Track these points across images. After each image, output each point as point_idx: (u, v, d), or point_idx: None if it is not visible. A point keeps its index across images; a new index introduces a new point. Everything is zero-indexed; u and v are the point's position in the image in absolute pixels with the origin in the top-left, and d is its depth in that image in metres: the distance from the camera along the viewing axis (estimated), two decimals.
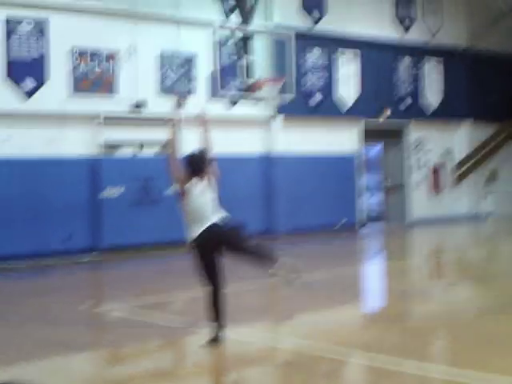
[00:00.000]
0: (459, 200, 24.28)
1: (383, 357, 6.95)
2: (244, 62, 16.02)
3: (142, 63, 17.30)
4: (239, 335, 8.10)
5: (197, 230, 7.54)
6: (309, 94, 20.41)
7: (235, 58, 17.02)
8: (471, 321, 9.03)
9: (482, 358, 6.90)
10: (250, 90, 16.38)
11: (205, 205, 7.68)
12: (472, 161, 24.46)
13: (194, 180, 7.67)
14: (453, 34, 24.09)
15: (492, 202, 24.59)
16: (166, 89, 17.74)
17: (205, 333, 7.81)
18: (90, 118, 16.45)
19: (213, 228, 7.56)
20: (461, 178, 24.27)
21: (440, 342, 8.20)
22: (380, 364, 6.77)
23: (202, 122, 8.20)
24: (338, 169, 20.60)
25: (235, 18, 18.49)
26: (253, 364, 7.23)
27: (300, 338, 8.04)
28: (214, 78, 15.40)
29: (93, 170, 16.29)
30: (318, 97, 20.64)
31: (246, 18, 17.52)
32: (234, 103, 18.58)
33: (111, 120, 16.69)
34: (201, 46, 17.85)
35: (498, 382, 6.10)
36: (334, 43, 20.92)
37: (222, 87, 16.23)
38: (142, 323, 9.03)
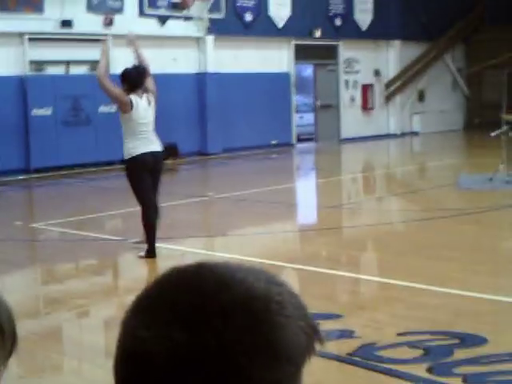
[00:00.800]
0: (388, 118, 24.70)
1: (317, 268, 7.15)
2: None
3: None
4: (174, 250, 8.23)
5: (138, 149, 7.49)
6: (240, 13, 20.19)
7: None
8: (399, 231, 9.36)
9: (409, 266, 7.19)
10: (178, 7, 16.20)
11: (148, 123, 7.68)
12: (400, 81, 24.79)
13: (133, 96, 7.56)
14: None
15: (419, 120, 25.09)
16: (94, 7, 17.29)
17: (139, 247, 7.89)
18: (16, 37, 15.98)
19: (156, 155, 7.64)
20: (389, 97, 24.62)
21: (370, 253, 8.49)
22: (314, 273, 7.00)
23: (131, 41, 8.22)
24: (272, 87, 20.59)
25: None
26: None
27: (234, 252, 8.20)
28: None
29: (20, 89, 15.92)
30: (250, 16, 20.44)
31: None
32: (163, 22, 18.27)
33: (38, 39, 16.26)
34: None
35: (425, 290, 6.35)
36: None
37: (150, 5, 16.01)
38: (78, 238, 9.06)
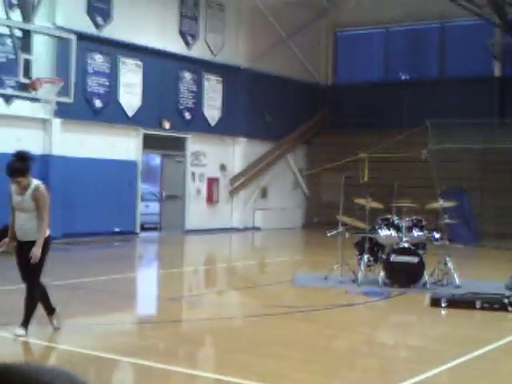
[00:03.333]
0: (232, 213, 25.14)
1: (151, 363, 7.03)
2: (21, 59, 15.56)
3: None
4: (8, 339, 7.86)
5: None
6: (90, 99, 20.16)
7: (14, 54, 16.46)
8: (236, 327, 9.42)
9: (244, 363, 7.23)
10: (27, 88, 15.95)
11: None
12: (245, 177, 25.44)
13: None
14: (233, 54, 24.95)
15: (261, 216, 25.71)
16: None
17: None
18: None
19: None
20: (234, 192, 25.15)
21: (206, 348, 8.47)
22: (147, 369, 6.87)
23: None
24: (118, 175, 20.50)
25: (16, 14, 17.82)
26: None
27: (67, 343, 7.94)
28: None
29: None
30: (100, 102, 20.45)
31: (28, 16, 16.97)
32: (9, 100, 17.90)
33: None
34: None
35: None
36: (118, 50, 20.87)
37: None
38: None
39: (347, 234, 13.14)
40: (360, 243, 12.71)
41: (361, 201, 13.17)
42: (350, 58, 29.32)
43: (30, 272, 8.03)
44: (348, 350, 8.15)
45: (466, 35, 26.50)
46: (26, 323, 7.89)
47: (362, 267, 12.38)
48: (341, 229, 13.17)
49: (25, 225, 7.97)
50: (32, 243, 7.88)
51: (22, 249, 7.97)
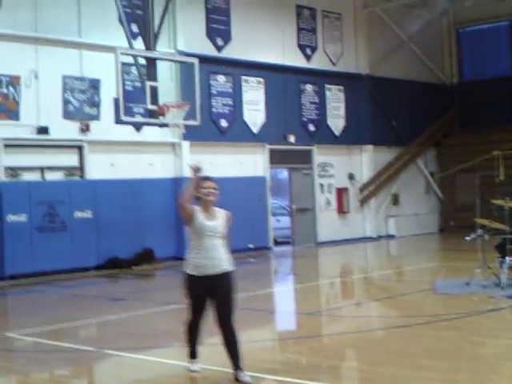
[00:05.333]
0: (364, 222, 24.82)
1: (294, 379, 6.97)
2: (148, 87, 16.00)
3: (45, 88, 17.02)
4: (152, 360, 8.02)
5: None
6: (216, 120, 20.52)
7: (140, 83, 16.97)
8: (379, 339, 9.22)
9: (390, 375, 7.04)
10: (154, 115, 16.39)
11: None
12: (374, 184, 25.09)
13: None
14: (353, 62, 24.77)
15: (394, 224, 25.24)
16: (70, 114, 17.50)
17: (114, 357, 7.68)
18: None
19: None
20: (364, 201, 24.83)
21: (349, 362, 8.32)
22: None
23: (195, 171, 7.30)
24: (248, 191, 20.70)
25: (139, 43, 18.39)
26: None
27: (210, 362, 8.00)
28: (118, 104, 15.33)
29: None
30: (225, 122, 20.78)
31: (150, 44, 17.47)
32: (139, 129, 18.48)
33: (14, 145, 16.37)
34: (104, 71, 17.66)
35: None
36: (239, 70, 21.16)
37: (126, 112, 16.17)
38: (52, 349, 8.81)
39: (486, 237, 12.64)
40: (501, 245, 12.20)
41: (498, 201, 12.65)
42: (475, 55, 28.44)
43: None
44: (496, 356, 7.79)
45: None
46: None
47: (505, 270, 11.86)
48: (479, 232, 12.69)
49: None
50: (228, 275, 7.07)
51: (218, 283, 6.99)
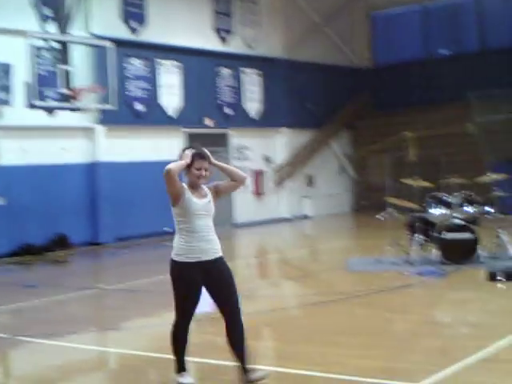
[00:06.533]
0: (280, 203, 25.12)
1: (208, 359, 7.08)
2: (62, 70, 15.76)
3: None
4: (63, 346, 8.00)
5: None
6: (132, 104, 20.35)
7: (53, 67, 16.68)
8: (293, 317, 9.42)
9: (304, 353, 7.22)
10: (68, 98, 16.19)
11: None
12: (290, 166, 25.39)
13: None
14: (270, 46, 24.92)
15: (309, 204, 25.62)
16: None
17: (28, 343, 7.63)
18: None
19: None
20: (280, 182, 25.12)
21: (265, 341, 8.47)
22: (205, 365, 6.92)
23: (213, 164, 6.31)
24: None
25: (52, 27, 18.06)
26: (82, 372, 7.17)
27: (127, 347, 8.04)
28: (30, 87, 15.04)
29: None
30: (141, 106, 20.63)
31: (63, 27, 17.20)
32: (52, 112, 18.17)
33: None
34: (16, 56, 17.23)
35: (322, 378, 6.39)
36: (155, 53, 21.02)
37: (39, 96, 15.94)
38: None
39: (397, 215, 13.04)
40: (411, 223, 12.61)
41: (408, 181, 13.06)
42: (388, 38, 28.97)
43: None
44: (408, 331, 8.10)
45: (502, 5, 26.02)
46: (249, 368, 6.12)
47: (415, 247, 12.28)
48: (390, 210, 13.08)
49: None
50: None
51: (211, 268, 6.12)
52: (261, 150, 24.63)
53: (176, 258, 6.05)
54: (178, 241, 6.08)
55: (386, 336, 7.85)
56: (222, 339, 8.11)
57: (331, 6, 26.89)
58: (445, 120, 23.87)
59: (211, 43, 22.96)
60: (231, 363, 6.34)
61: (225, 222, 22.96)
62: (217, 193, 6.29)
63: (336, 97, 26.91)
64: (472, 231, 11.89)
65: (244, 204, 23.62)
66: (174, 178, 5.93)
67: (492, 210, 12.44)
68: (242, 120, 23.89)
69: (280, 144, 25.30)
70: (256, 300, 10.84)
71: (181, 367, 6.24)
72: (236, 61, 23.68)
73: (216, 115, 22.92)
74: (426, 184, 13.10)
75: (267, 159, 24.82)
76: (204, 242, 6.04)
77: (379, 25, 29.34)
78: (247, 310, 10.05)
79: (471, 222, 12.10)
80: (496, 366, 6.39)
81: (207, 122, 22.54)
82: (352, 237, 20.29)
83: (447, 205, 12.34)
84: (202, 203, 6.07)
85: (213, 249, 6.10)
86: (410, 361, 6.75)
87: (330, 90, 26.66)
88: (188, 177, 6.11)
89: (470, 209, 12.32)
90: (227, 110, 23.43)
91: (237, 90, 23.80)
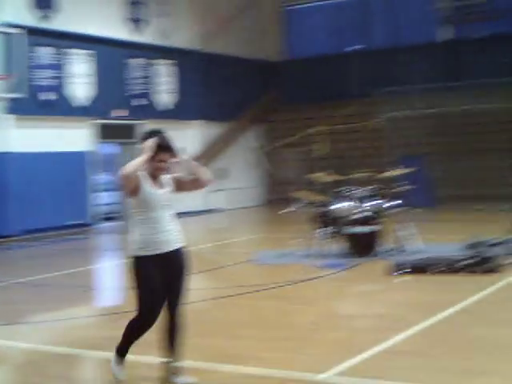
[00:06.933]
0: (192, 196, 25.02)
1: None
2: None
3: None
4: None
5: None
6: (41, 93, 19.93)
7: None
8: (200, 310, 9.46)
9: (211, 346, 7.27)
10: None
11: None
12: (202, 159, 25.37)
13: None
14: (185, 37, 24.82)
15: (222, 197, 25.71)
16: None
17: None
18: None
19: None
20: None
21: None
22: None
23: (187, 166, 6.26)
24: (73, 167, 20.34)
25: None
26: None
27: (31, 341, 7.92)
28: None
29: None
30: (51, 96, 20.22)
31: None
32: None
33: None
34: None
35: (225, 370, 6.45)
36: (65, 42, 20.62)
37: None
38: None
39: (305, 209, 13.24)
40: (317, 217, 12.82)
41: (317, 175, 13.27)
42: (301, 33, 29.30)
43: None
44: (311, 324, 8.24)
45: (412, 2, 26.68)
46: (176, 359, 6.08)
47: (322, 240, 12.50)
48: (300, 204, 13.27)
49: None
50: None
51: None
52: (175, 142, 24.47)
53: (139, 253, 5.78)
54: (137, 233, 5.79)
55: (290, 328, 7.98)
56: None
57: None
58: (354, 115, 24.34)
59: (124, 33, 22.71)
60: (141, 357, 6.34)
61: None
62: (178, 186, 6.04)
63: (250, 90, 27.06)
64: (377, 224, 12.19)
65: None
66: (129, 180, 5.69)
67: (397, 204, 12.78)
68: (155, 111, 23.73)
69: (193, 136, 25.26)
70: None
71: (124, 353, 6.07)
72: (149, 51, 23.49)
73: (128, 106, 22.69)
74: (334, 178, 13.35)
75: (181, 151, 24.72)
76: (166, 233, 5.80)
77: (292, 19, 29.62)
78: None
79: (376, 216, 12.40)
80: (396, 357, 6.58)
81: (119, 112, 22.29)
82: (262, 230, 20.45)
83: (353, 198, 12.61)
84: (162, 193, 5.84)
85: (174, 239, 5.88)
86: (312, 353, 6.89)
87: (244, 83, 26.78)
88: (148, 166, 5.83)
89: (375, 202, 12.63)
90: (139, 101, 23.23)
91: (150, 81, 23.63)
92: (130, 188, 5.72)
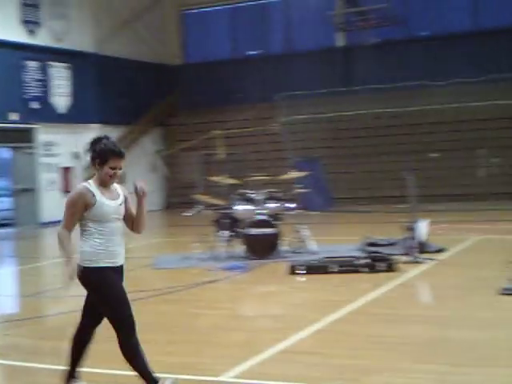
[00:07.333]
0: None
1: (13, 362, 6.89)
2: None
3: None
4: None
5: None
6: None
7: None
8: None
9: (110, 352, 7.18)
10: None
11: None
12: None
13: None
14: (80, 39, 24.44)
15: None
16: None
17: None
18: None
19: None
20: (89, 179, 24.67)
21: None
22: (10, 368, 6.73)
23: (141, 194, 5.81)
24: None
25: None
26: None
27: None
28: None
29: None
30: None
31: None
32: None
33: None
34: None
35: (123, 375, 6.40)
36: None
37: None
38: None
39: (205, 212, 13.29)
40: (218, 220, 12.89)
41: (216, 178, 13.34)
42: (199, 37, 29.37)
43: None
44: (212, 326, 8.26)
45: (308, 8, 27.17)
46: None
47: (221, 243, 12.58)
48: (199, 208, 13.31)
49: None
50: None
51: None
52: (69, 146, 24.10)
53: (93, 265, 5.47)
54: (90, 245, 5.47)
55: (190, 331, 7.98)
56: (27, 341, 7.93)
57: (142, 1, 26.82)
58: (253, 119, 24.59)
59: (18, 35, 22.20)
60: (38, 365, 6.21)
61: (30, 221, 22.28)
62: (125, 209, 5.69)
63: (147, 94, 26.91)
64: (274, 227, 12.37)
65: (51, 202, 23.00)
66: (72, 215, 5.48)
67: (294, 206, 13.00)
68: (50, 115, 23.27)
69: (90, 140, 24.85)
70: (61, 301, 10.62)
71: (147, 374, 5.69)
72: (44, 54, 23.03)
73: (22, 110, 22.15)
74: (232, 181, 13.45)
75: (76, 156, 24.33)
76: (119, 246, 5.54)
77: (190, 23, 29.65)
78: (52, 311, 9.87)
79: (274, 218, 12.58)
80: (294, 357, 6.69)
81: (12, 116, 21.73)
82: (161, 234, 20.29)
83: (252, 201, 12.76)
84: (114, 205, 5.54)
85: (123, 254, 5.64)
86: (212, 355, 6.91)
87: (141, 87, 26.63)
88: (99, 173, 5.53)
89: (273, 205, 12.81)
90: (34, 105, 22.73)
91: (44, 84, 23.15)
92: (81, 212, 5.46)
